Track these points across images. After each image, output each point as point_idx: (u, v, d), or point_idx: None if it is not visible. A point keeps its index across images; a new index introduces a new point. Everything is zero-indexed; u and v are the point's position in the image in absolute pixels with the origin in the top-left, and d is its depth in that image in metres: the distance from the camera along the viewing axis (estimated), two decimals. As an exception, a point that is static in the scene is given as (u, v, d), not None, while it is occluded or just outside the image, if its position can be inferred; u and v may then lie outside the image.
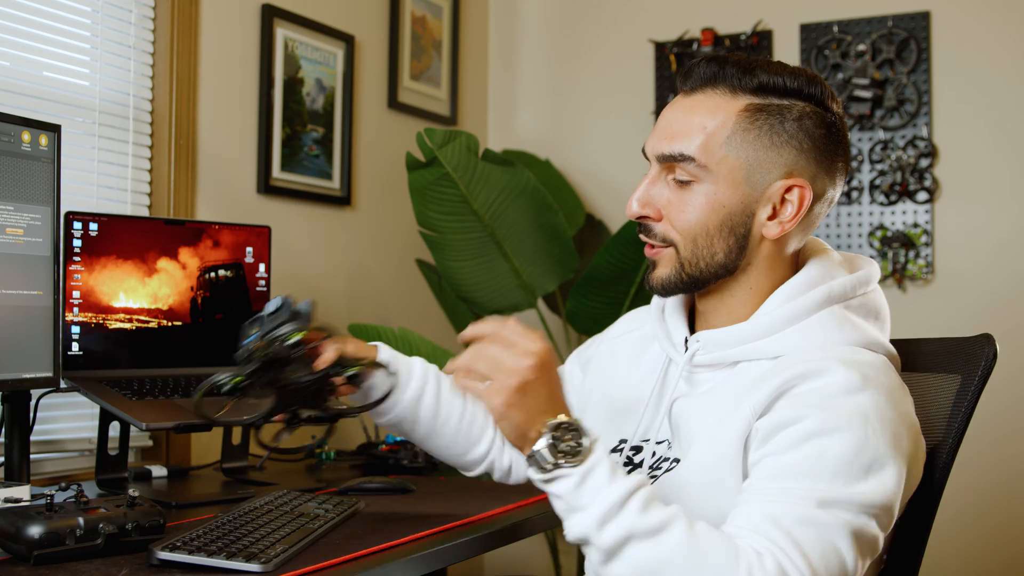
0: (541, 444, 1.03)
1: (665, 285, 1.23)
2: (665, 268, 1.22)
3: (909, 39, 2.76)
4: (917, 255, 2.73)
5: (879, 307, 1.24)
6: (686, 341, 1.25)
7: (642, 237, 1.24)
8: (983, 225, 2.70)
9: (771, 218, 1.19)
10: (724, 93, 1.19)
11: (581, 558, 2.49)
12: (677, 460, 1.19)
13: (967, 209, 2.71)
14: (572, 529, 1.03)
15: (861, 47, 2.79)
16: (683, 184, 1.19)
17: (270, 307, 1.24)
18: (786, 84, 1.18)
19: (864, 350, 1.16)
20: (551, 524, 1.59)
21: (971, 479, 2.61)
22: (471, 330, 1.09)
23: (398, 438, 2.02)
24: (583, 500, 1.02)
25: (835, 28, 2.84)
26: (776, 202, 1.18)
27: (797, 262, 1.25)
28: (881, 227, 2.77)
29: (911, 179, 2.74)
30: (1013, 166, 2.68)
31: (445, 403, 1.41)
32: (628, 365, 1.34)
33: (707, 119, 1.18)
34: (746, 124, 1.17)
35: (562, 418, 1.04)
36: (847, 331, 1.17)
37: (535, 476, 1.05)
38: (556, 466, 1.02)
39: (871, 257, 2.76)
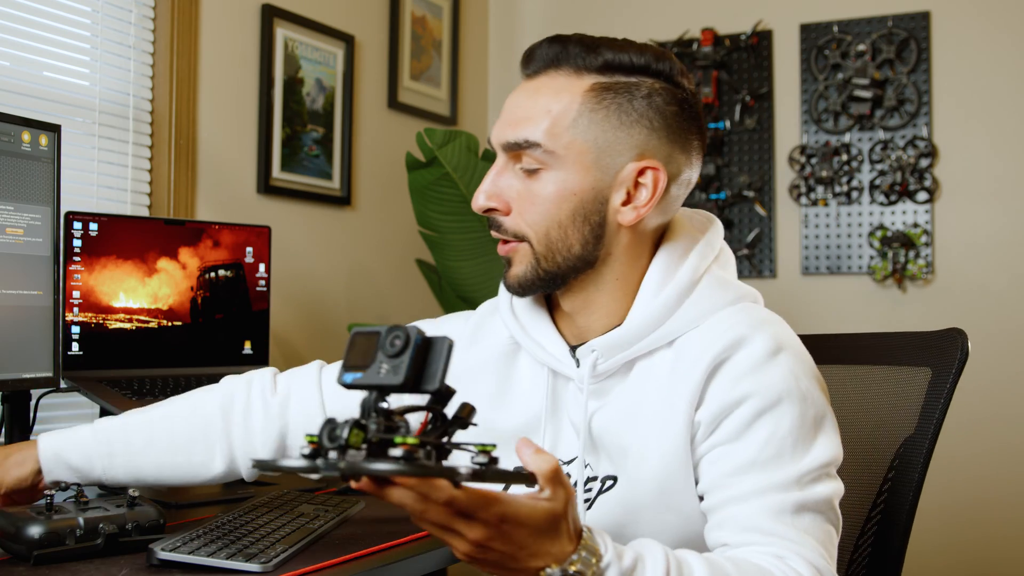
0: None
1: (523, 283, 1.15)
2: (521, 265, 1.15)
3: (909, 39, 2.76)
4: (917, 255, 2.73)
5: (731, 258, 1.22)
6: (573, 351, 1.18)
7: (493, 233, 1.17)
8: (983, 225, 2.70)
9: (625, 203, 1.12)
10: (568, 74, 1.12)
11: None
12: (613, 478, 1.14)
13: (967, 209, 2.71)
14: None
15: (861, 47, 2.79)
16: (531, 173, 1.12)
17: (390, 343, 0.86)
18: (632, 61, 1.12)
19: (750, 304, 1.15)
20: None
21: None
22: (397, 496, 0.85)
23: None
24: None
25: (835, 28, 2.84)
26: (630, 186, 1.11)
27: (657, 240, 1.19)
28: (881, 227, 2.77)
29: (911, 179, 2.74)
30: (1013, 166, 2.68)
31: (143, 462, 1.28)
32: (500, 386, 1.24)
33: (552, 102, 1.11)
34: (592, 104, 1.10)
35: (548, 574, 0.90)
36: (729, 291, 1.14)
37: None
38: None
39: (871, 257, 2.77)
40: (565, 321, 1.20)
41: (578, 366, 1.16)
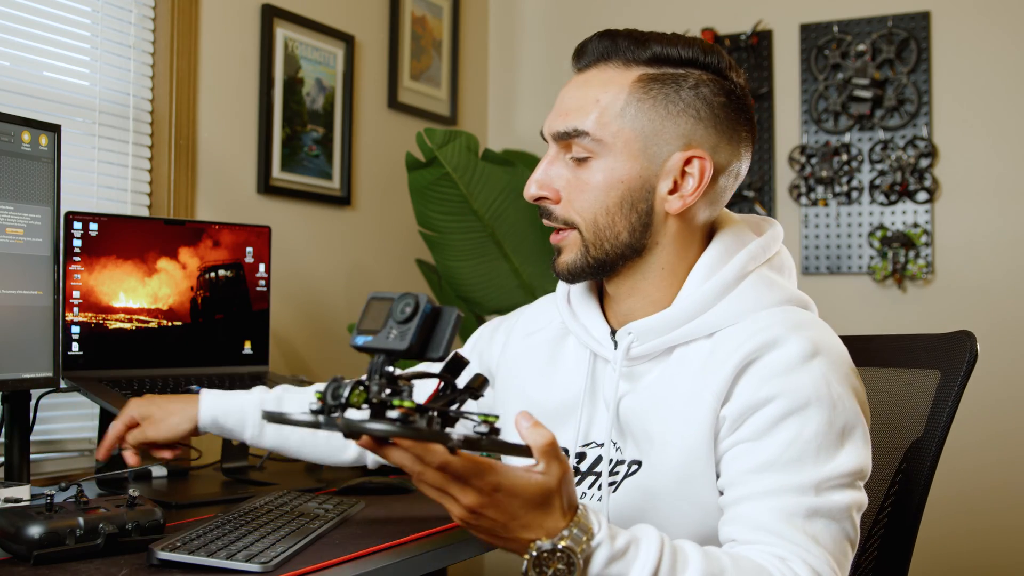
0: (530, 573, 0.94)
1: (572, 270, 1.18)
2: (570, 253, 1.18)
3: (909, 39, 2.76)
4: (917, 255, 2.73)
5: (790, 264, 1.23)
6: (612, 335, 1.20)
7: (544, 222, 1.19)
8: (983, 225, 2.70)
9: (672, 192, 1.14)
10: (618, 66, 1.16)
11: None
12: (638, 462, 1.15)
13: (967, 209, 2.72)
14: None
15: (861, 47, 2.79)
16: (581, 162, 1.15)
17: (400, 310, 0.90)
18: (681, 53, 1.14)
19: (796, 308, 1.15)
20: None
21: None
22: (397, 457, 0.89)
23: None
24: None
25: (835, 28, 2.84)
26: (676, 175, 1.14)
27: (708, 234, 1.21)
28: (881, 227, 2.77)
29: (911, 179, 2.74)
30: (1013, 166, 2.68)
31: (291, 434, 1.46)
32: (546, 367, 1.29)
33: (600, 92, 1.14)
34: (640, 94, 1.13)
35: (538, 547, 0.93)
36: (776, 291, 1.15)
37: None
38: None
39: (871, 257, 2.77)
40: (611, 306, 1.23)
41: (616, 348, 1.18)
